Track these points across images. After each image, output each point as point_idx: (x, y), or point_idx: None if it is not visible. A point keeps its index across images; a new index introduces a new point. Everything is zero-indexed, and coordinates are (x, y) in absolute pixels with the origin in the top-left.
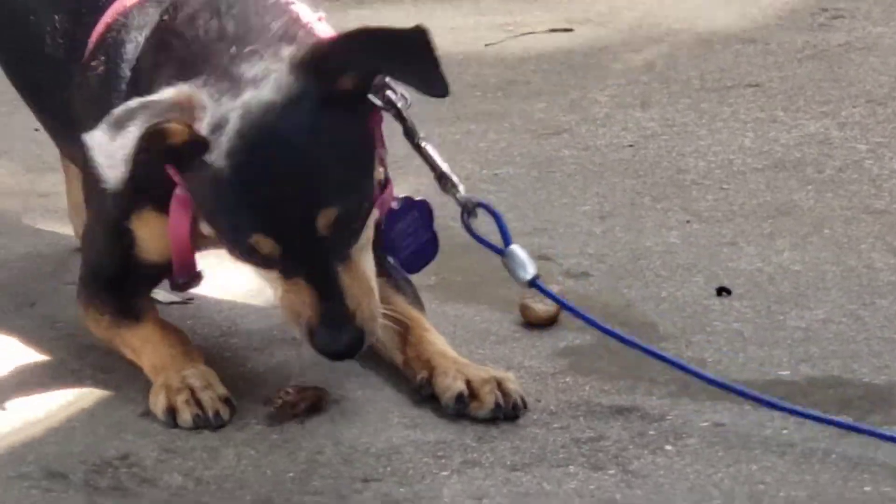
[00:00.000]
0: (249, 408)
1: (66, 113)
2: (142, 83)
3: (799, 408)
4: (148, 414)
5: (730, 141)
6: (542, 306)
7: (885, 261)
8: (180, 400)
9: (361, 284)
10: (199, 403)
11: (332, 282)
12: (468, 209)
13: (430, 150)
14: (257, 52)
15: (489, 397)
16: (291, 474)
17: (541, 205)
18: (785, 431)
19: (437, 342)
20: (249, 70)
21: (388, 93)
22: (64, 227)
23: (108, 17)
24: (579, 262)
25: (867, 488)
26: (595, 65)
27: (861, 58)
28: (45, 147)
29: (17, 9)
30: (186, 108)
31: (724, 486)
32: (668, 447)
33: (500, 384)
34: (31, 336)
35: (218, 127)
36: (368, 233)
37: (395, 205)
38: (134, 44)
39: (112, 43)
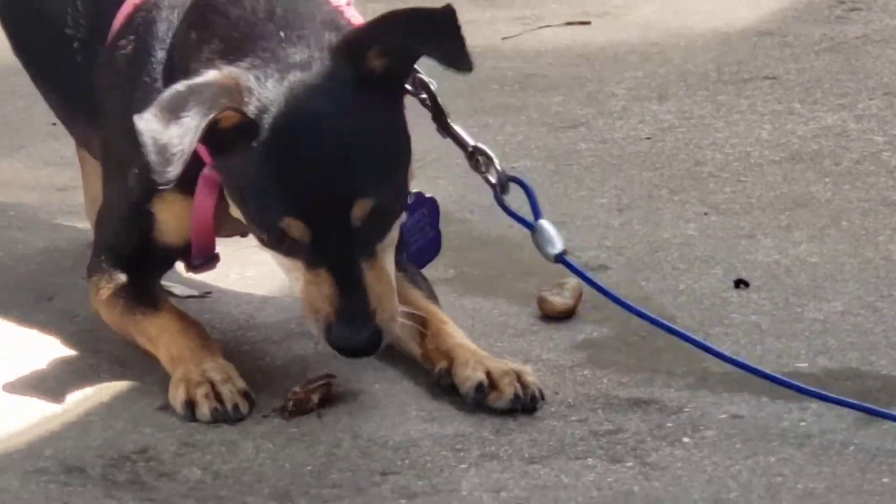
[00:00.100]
0: (268, 401)
1: (86, 96)
2: (177, 62)
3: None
4: (166, 408)
5: (747, 133)
6: (560, 299)
7: None
8: (200, 393)
9: (384, 283)
10: (218, 397)
11: (355, 276)
12: (501, 183)
13: (459, 129)
14: (304, 38)
15: (508, 388)
16: (310, 467)
17: (558, 198)
18: (803, 423)
19: (456, 334)
20: (295, 55)
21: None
22: (82, 222)
23: None
24: (597, 254)
25: (885, 479)
26: (612, 58)
27: (878, 50)
28: (64, 142)
29: None
30: (234, 92)
31: (741, 478)
32: (686, 439)
33: (518, 376)
34: (49, 330)
35: (263, 110)
36: (394, 233)
37: (408, 199)
38: (166, 23)
39: (142, 22)
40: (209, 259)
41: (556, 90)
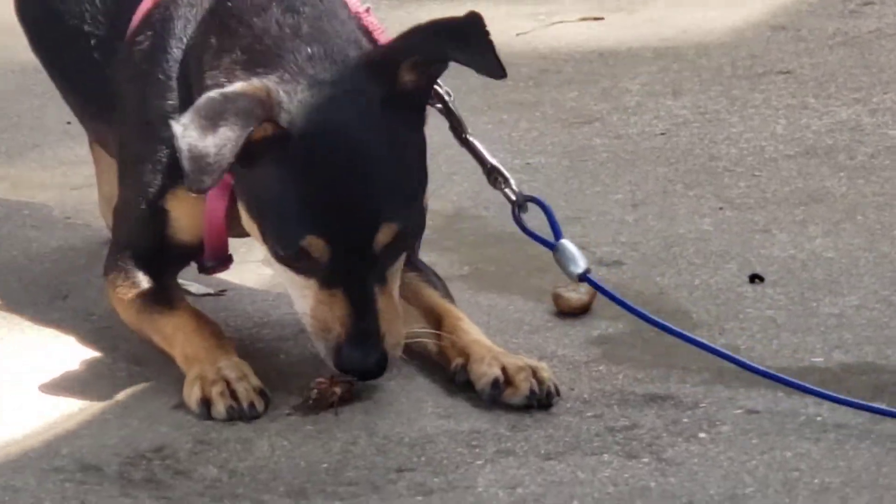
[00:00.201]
0: (283, 399)
1: (103, 92)
2: (193, 64)
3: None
4: (181, 406)
5: (761, 128)
6: (575, 295)
7: None
8: (215, 391)
9: (392, 308)
10: (233, 395)
11: (369, 300)
12: (519, 203)
13: (478, 144)
14: (331, 55)
15: (524, 384)
16: (325, 465)
17: (573, 194)
18: (819, 418)
19: (472, 331)
20: (324, 72)
21: (435, 87)
22: (97, 221)
23: None
24: (612, 250)
25: None
26: (626, 53)
27: (892, 44)
28: (78, 140)
29: None
30: (266, 104)
31: (758, 473)
32: (702, 435)
33: (534, 372)
34: (64, 329)
35: (294, 125)
36: (402, 258)
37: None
38: (184, 21)
39: (160, 19)
40: (222, 261)
41: (571, 86)
